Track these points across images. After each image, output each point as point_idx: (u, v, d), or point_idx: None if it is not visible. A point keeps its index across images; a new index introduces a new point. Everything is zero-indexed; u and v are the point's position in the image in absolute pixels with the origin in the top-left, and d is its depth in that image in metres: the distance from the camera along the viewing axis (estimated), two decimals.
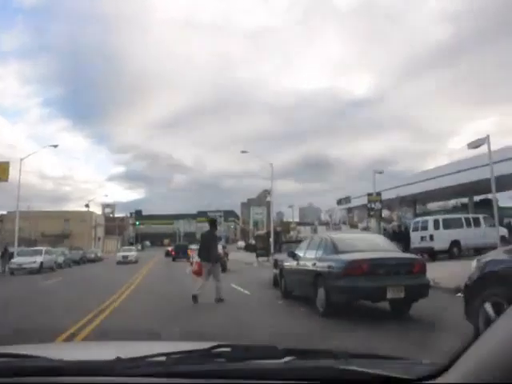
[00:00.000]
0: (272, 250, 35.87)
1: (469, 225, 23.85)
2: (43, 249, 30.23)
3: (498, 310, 4.97)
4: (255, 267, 29.64)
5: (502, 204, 33.25)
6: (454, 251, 23.08)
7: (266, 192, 43.24)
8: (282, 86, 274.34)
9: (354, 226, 52.67)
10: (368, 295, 8.17)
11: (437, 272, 12.64)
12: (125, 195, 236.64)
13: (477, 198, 42.59)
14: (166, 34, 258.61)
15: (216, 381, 1.19)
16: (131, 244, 79.60)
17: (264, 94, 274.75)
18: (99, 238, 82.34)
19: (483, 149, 24.28)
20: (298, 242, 15.61)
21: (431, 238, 23.24)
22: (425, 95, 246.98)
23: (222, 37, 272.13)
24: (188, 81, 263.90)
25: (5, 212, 65.08)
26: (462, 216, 25.66)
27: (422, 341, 6.00)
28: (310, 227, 66.69)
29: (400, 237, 21.03)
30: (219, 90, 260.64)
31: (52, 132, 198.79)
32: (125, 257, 40.06)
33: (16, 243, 33.12)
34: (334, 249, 8.91)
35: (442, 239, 22.91)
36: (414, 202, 46.37)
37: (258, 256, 35.11)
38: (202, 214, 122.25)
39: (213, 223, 12.33)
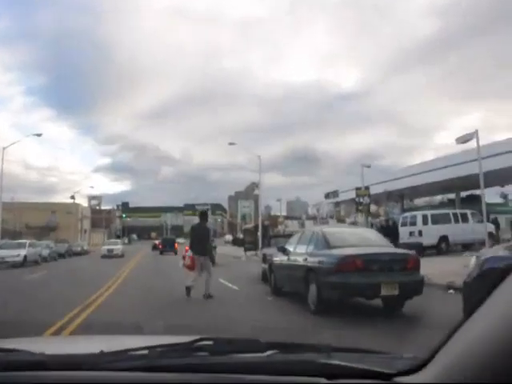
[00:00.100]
0: (260, 244, 35.79)
1: (457, 220, 23.91)
2: (27, 241, 29.53)
3: None
4: (243, 261, 29.47)
5: (488, 200, 33.44)
6: (443, 247, 23.14)
7: (254, 185, 43.13)
8: (270, 78, 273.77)
9: (341, 220, 52.64)
10: (361, 292, 7.99)
11: (427, 268, 12.45)
12: (111, 187, 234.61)
13: (463, 194, 42.84)
14: (154, 23, 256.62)
15: (198, 375, 1.19)
16: (118, 237, 78.85)
17: (252, 85, 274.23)
18: (85, 231, 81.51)
19: (470, 144, 24.33)
20: (288, 236, 15.41)
21: (420, 233, 23.25)
22: (412, 90, 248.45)
23: (210, 27, 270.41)
24: (176, 71, 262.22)
25: None
26: (450, 211, 25.72)
27: (416, 339, 5.83)
28: (297, 221, 66.58)
29: (388, 232, 20.90)
30: (207, 81, 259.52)
31: (36, 121, 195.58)
32: (110, 250, 38.63)
33: None
34: (326, 243, 8.68)
35: (430, 235, 22.93)
36: (402, 197, 46.50)
37: (245, 250, 34.89)
38: (189, 207, 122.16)
39: (203, 215, 12.21)
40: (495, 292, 0.90)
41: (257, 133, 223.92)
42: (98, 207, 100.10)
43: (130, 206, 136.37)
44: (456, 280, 11.69)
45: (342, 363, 1.22)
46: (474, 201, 39.05)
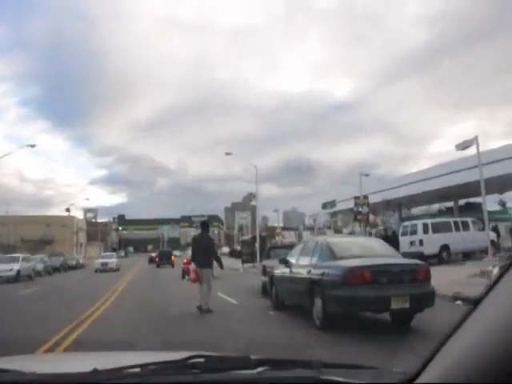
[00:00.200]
0: (258, 256, 35.32)
1: (458, 229, 23.57)
2: (20, 256, 29.00)
3: None
4: (241, 274, 28.98)
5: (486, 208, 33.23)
6: (444, 256, 22.77)
7: (251, 195, 42.75)
8: (264, 88, 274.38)
9: (338, 230, 52.39)
10: (370, 306, 7.53)
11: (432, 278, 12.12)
12: (107, 199, 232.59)
13: (461, 202, 42.58)
14: (150, 34, 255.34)
15: None
16: (114, 250, 78.16)
17: (247, 95, 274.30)
18: (81, 244, 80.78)
19: (467, 152, 24.10)
20: (288, 247, 15.01)
21: (421, 242, 22.88)
22: (405, 99, 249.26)
23: (205, 36, 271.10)
24: (171, 81, 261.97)
25: None
26: (451, 220, 25.37)
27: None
28: (294, 232, 66.21)
29: (388, 241, 20.52)
30: (202, 91, 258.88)
31: (31, 133, 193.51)
32: (104, 264, 37.02)
33: None
34: (331, 254, 8.24)
35: (431, 244, 22.56)
36: (400, 206, 46.21)
37: (243, 262, 34.42)
38: (185, 219, 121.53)
39: (205, 225, 11.90)
40: (480, 306, 0.85)
41: (252, 143, 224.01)
42: (93, 220, 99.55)
43: (127, 218, 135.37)
44: (462, 290, 11.32)
45: (333, 378, 1.25)
46: (472, 209, 38.84)
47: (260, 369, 1.33)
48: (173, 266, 40.25)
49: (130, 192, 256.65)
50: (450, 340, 0.91)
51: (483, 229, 22.89)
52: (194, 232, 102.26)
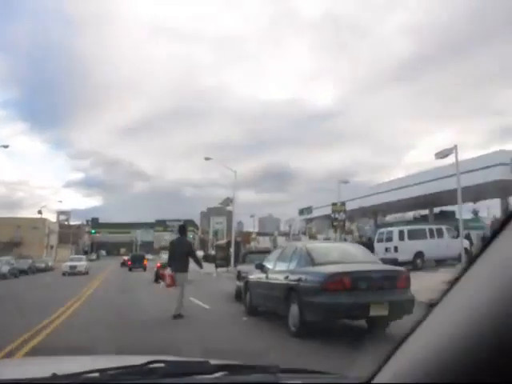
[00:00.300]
0: (232, 261, 34.93)
1: (432, 236, 23.69)
2: None
3: None
4: (214, 278, 28.52)
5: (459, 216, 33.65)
6: (418, 262, 22.80)
7: (229, 200, 42.13)
8: (247, 95, 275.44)
9: (313, 236, 52.53)
10: (349, 313, 7.22)
11: None
12: (83, 202, 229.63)
13: (436, 210, 43.04)
14: (130, 39, 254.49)
15: None
16: (86, 253, 76.64)
17: (228, 102, 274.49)
18: (52, 247, 79.03)
19: (444, 162, 24.31)
20: (265, 252, 14.65)
21: (396, 249, 22.89)
22: (385, 109, 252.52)
23: (186, 43, 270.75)
24: (151, 87, 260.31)
25: None
26: (427, 227, 25.45)
27: None
28: (269, 237, 66.05)
29: None
30: (183, 97, 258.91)
31: (8, 135, 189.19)
32: (73, 267, 35.28)
33: None
34: (311, 260, 7.90)
35: (406, 250, 22.58)
36: (375, 213, 46.50)
37: (217, 266, 34.03)
38: (160, 223, 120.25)
39: (183, 229, 11.78)
40: (436, 308, 0.84)
41: (231, 150, 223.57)
42: (66, 222, 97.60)
43: (102, 221, 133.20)
44: (436, 297, 11.15)
45: (288, 383, 1.30)
46: (446, 216, 39.28)
47: (219, 374, 1.34)
48: (145, 269, 39.65)
49: (105, 195, 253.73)
50: (405, 342, 0.90)
51: (457, 236, 23.04)
52: (168, 236, 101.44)
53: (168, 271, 10.86)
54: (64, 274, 33.90)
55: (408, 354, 0.88)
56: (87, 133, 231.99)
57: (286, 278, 8.30)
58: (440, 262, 23.04)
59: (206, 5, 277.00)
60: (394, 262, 22.03)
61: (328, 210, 35.77)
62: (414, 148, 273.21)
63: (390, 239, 23.49)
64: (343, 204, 32.70)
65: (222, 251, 40.95)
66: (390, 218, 52.47)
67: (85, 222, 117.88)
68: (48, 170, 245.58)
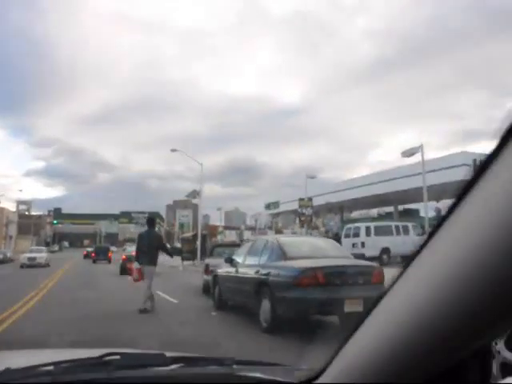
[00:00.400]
0: (199, 254, 34.65)
1: (398, 233, 24.10)
2: None
3: None
4: (180, 271, 28.20)
5: (423, 214, 34.36)
6: (384, 258, 23.11)
7: (195, 192, 41.72)
8: (214, 90, 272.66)
9: (279, 231, 52.78)
10: (322, 309, 7.09)
11: None
12: (44, 192, 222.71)
13: (400, 208, 43.84)
14: (96, 27, 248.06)
15: None
16: (47, 244, 74.82)
17: (195, 95, 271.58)
18: (11, 237, 76.75)
19: (409, 160, 24.70)
20: (234, 245, 14.50)
21: (363, 244, 23.15)
22: (350, 107, 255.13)
23: (155, 35, 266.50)
24: (118, 76, 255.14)
25: None
26: (393, 224, 25.84)
27: None
28: (235, 231, 65.96)
29: None
30: (150, 89, 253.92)
31: None
32: (32, 259, 33.49)
33: None
34: (282, 254, 7.75)
35: (373, 246, 22.87)
36: (341, 209, 47.00)
37: (183, 259, 33.70)
38: (125, 215, 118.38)
39: (151, 222, 11.46)
40: (380, 305, 0.83)
41: (197, 143, 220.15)
42: (27, 212, 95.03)
43: (64, 211, 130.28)
44: None
45: (244, 374, 1.30)
46: (409, 214, 40.06)
47: (174, 366, 1.35)
48: (110, 261, 38.97)
49: (68, 185, 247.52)
50: (353, 336, 0.89)
51: (423, 234, 23.48)
52: (133, 228, 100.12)
53: (136, 265, 10.56)
54: (22, 267, 32.40)
55: (351, 352, 0.88)
56: (49, 120, 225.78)
57: (257, 272, 8.15)
58: (406, 259, 23.36)
59: None
60: (361, 257, 22.36)
61: (295, 205, 35.90)
62: (377, 147, 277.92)
63: (357, 235, 23.73)
64: (310, 199, 32.88)
65: (188, 244, 40.62)
66: (355, 214, 53.24)
67: (47, 213, 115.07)
68: (6, 158, 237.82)
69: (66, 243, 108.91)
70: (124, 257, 25.35)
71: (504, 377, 1.45)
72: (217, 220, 71.03)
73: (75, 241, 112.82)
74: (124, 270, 22.21)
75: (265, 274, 7.82)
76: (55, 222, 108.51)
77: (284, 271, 7.38)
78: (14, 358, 2.02)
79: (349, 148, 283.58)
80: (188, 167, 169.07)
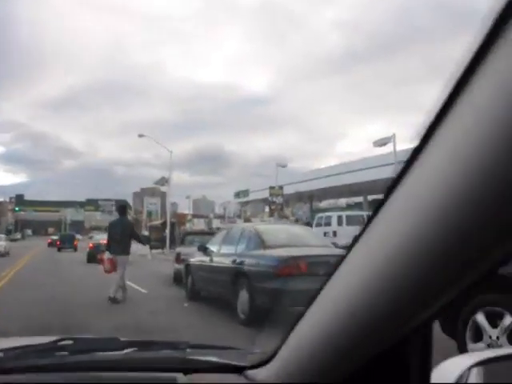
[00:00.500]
0: (168, 242, 34.15)
1: None
2: None
3: (495, 321, 4.06)
4: (149, 260, 27.65)
5: None
6: None
7: (164, 179, 41.13)
8: (181, 76, 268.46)
9: (248, 220, 52.72)
10: (305, 300, 6.84)
11: None
12: (4, 178, 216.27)
13: (369, 198, 44.25)
14: (61, 8, 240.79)
15: (56, 374, 1.17)
16: (9, 232, 72.63)
17: (162, 81, 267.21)
18: None
19: (381, 150, 24.81)
20: (206, 233, 14.13)
21: (334, 234, 23.09)
22: (319, 98, 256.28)
23: (122, 19, 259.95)
24: (83, 61, 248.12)
25: None
26: (365, 213, 25.86)
27: None
28: (203, 220, 65.59)
29: None
30: (116, 74, 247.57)
31: None
32: None
33: None
34: (261, 243, 7.43)
35: (344, 235, 22.78)
36: (311, 198, 47.15)
37: (151, 248, 33.12)
38: (91, 202, 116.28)
39: (122, 209, 10.96)
40: (321, 294, 0.85)
41: (164, 130, 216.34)
42: None
43: (26, 198, 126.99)
44: None
45: (198, 358, 1.29)
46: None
47: (127, 350, 1.33)
48: (75, 250, 38.11)
49: (31, 172, 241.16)
50: (298, 325, 0.90)
51: None
52: (100, 216, 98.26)
53: (107, 255, 10.06)
54: None
55: (301, 332, 0.88)
56: (8, 104, 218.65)
57: (234, 261, 7.80)
58: None
59: None
60: (334, 246, 22.39)
61: (264, 194, 35.77)
62: (346, 137, 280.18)
63: (328, 224, 23.73)
64: (281, 188, 32.75)
65: (156, 232, 40.08)
66: (324, 203, 53.57)
67: (8, 199, 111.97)
68: None
69: (29, 231, 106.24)
70: (91, 245, 24.66)
71: None
72: (185, 208, 70.39)
73: (39, 229, 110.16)
74: (92, 258, 21.65)
75: (242, 264, 7.49)
76: (17, 208, 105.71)
77: (263, 260, 7.07)
78: None
79: (317, 138, 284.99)
80: (155, 154, 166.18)
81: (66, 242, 41.01)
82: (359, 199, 44.83)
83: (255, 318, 6.89)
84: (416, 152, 0.56)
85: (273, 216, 34.20)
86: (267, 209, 41.27)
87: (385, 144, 21.61)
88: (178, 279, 12.35)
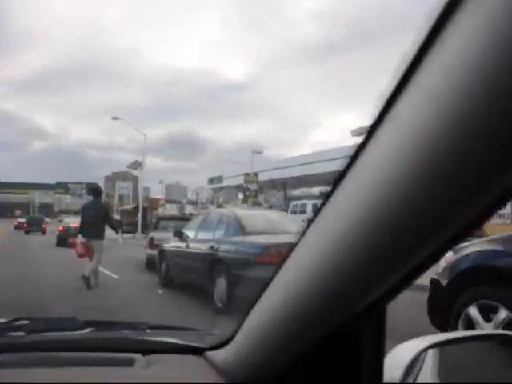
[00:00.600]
0: (139, 227, 33.61)
1: None
2: None
3: (488, 315, 3.92)
4: (120, 245, 27.07)
5: None
6: None
7: (137, 163, 40.46)
8: (156, 60, 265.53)
9: (220, 205, 52.63)
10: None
11: None
12: None
13: None
14: None
15: (12, 354, 1.13)
16: None
17: (138, 65, 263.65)
18: None
19: (355, 141, 24.87)
20: (181, 219, 13.79)
21: None
22: (294, 87, 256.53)
23: (97, 2, 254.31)
24: (56, 41, 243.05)
25: None
26: None
27: None
28: (176, 205, 65.13)
29: None
30: (90, 56, 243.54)
31: None
32: None
33: None
34: (241, 229, 7.18)
35: None
36: (285, 186, 47.18)
37: (123, 232, 32.55)
38: (61, 185, 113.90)
39: (96, 192, 10.39)
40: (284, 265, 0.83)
41: (138, 115, 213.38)
42: None
43: None
44: None
45: (157, 339, 1.27)
46: None
47: (86, 330, 1.32)
48: (44, 233, 37.27)
49: None
50: (254, 307, 0.89)
51: None
52: (70, 199, 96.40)
53: (80, 238, 9.63)
54: None
55: (256, 315, 0.88)
56: None
57: (212, 248, 7.53)
58: None
59: None
60: None
61: (239, 181, 35.54)
62: (320, 126, 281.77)
63: (303, 212, 23.77)
64: (256, 175, 32.54)
65: (128, 216, 39.43)
66: (297, 191, 53.75)
67: None
68: None
69: None
70: (61, 228, 24.08)
71: None
72: (157, 193, 69.78)
73: (5, 211, 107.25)
74: (62, 242, 21.17)
75: (220, 250, 7.24)
76: None
77: (243, 247, 6.81)
78: None
79: (292, 126, 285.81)
80: (129, 138, 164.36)
81: (34, 225, 40.16)
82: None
83: (233, 306, 6.67)
84: (368, 136, 0.57)
85: (246, 202, 34.02)
86: (240, 195, 41.07)
87: (363, 134, 21.59)
88: (150, 265, 12.03)
